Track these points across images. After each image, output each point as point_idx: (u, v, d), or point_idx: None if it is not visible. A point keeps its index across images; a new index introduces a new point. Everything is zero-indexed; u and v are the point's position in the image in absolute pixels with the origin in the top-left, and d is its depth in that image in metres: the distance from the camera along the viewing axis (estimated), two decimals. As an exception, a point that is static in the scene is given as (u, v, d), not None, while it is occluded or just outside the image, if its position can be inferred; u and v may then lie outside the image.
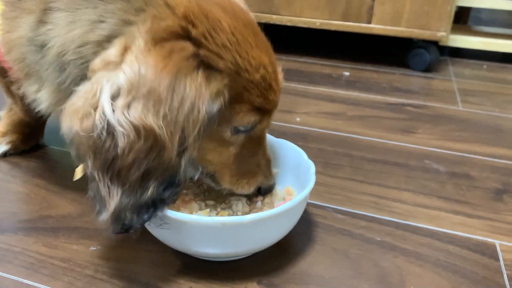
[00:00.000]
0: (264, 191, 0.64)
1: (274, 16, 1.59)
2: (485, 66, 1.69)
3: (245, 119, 0.54)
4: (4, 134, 0.85)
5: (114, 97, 0.47)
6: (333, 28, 1.56)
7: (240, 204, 0.67)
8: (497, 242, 0.68)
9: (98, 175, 0.48)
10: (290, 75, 1.45)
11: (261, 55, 0.53)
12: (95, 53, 0.51)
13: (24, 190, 0.76)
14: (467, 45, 1.67)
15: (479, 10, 2.34)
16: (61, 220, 0.69)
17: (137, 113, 0.46)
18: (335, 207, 0.75)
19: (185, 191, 0.70)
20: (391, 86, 1.41)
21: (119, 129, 0.46)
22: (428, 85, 1.45)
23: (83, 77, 0.52)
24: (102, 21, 0.51)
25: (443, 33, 1.48)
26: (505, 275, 0.62)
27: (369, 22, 1.52)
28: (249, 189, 0.63)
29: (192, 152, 0.50)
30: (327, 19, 1.55)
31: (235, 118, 0.54)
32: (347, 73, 1.51)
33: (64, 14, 0.53)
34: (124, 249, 0.63)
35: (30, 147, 0.88)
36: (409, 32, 1.50)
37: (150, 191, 0.50)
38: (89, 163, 0.48)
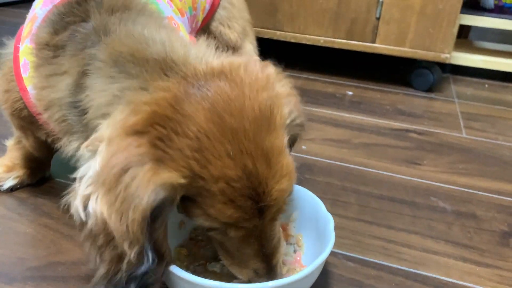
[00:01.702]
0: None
1: (278, 32, 1.58)
2: (486, 86, 1.70)
3: (199, 221, 0.52)
4: (11, 169, 0.84)
5: (88, 185, 0.49)
6: (337, 46, 1.56)
7: None
8: (506, 295, 0.69)
9: (89, 247, 0.51)
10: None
11: (228, 167, 0.48)
12: None
13: (32, 232, 0.75)
14: (469, 63, 1.68)
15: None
16: (70, 267, 0.68)
17: (98, 202, 0.48)
18: (345, 253, 0.75)
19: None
20: (394, 108, 1.41)
21: (88, 216, 0.49)
22: (431, 107, 1.45)
23: None
24: (119, 97, 0.51)
25: (447, 55, 1.48)
26: (516, 334, 0.62)
27: (373, 42, 1.52)
28: (242, 276, 0.59)
29: (144, 243, 0.49)
30: (331, 37, 1.55)
31: (189, 214, 0.53)
32: (350, 93, 1.51)
33: (99, 81, 0.53)
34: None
35: (37, 181, 0.87)
36: (413, 52, 1.50)
37: (119, 275, 0.51)
38: (82, 237, 0.51)
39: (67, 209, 0.50)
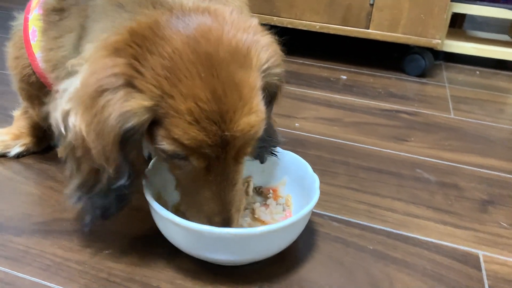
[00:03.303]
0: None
1: (275, 18, 1.63)
2: (477, 72, 1.74)
3: (162, 143, 0.53)
4: (18, 137, 0.89)
5: (68, 101, 0.53)
6: (332, 32, 1.60)
7: None
8: (480, 253, 0.74)
9: (66, 157, 0.57)
10: (289, 77, 1.49)
11: (198, 87, 0.50)
12: None
13: (37, 192, 0.80)
14: (461, 51, 1.72)
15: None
16: (74, 223, 0.73)
17: (77, 119, 0.52)
18: (331, 215, 0.80)
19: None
20: (386, 91, 1.45)
21: (67, 130, 0.53)
22: (422, 91, 1.49)
23: None
24: (111, 29, 0.55)
25: (438, 41, 1.52)
26: (486, 285, 0.67)
27: (367, 28, 1.56)
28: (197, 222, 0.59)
29: (120, 161, 0.53)
30: (326, 22, 1.59)
31: (154, 139, 0.54)
32: (344, 77, 1.55)
33: (98, 25, 0.57)
34: (135, 253, 0.67)
35: (42, 149, 0.92)
36: (405, 38, 1.55)
37: (99, 186, 0.56)
38: (61, 146, 0.57)
39: (46, 117, 0.55)
